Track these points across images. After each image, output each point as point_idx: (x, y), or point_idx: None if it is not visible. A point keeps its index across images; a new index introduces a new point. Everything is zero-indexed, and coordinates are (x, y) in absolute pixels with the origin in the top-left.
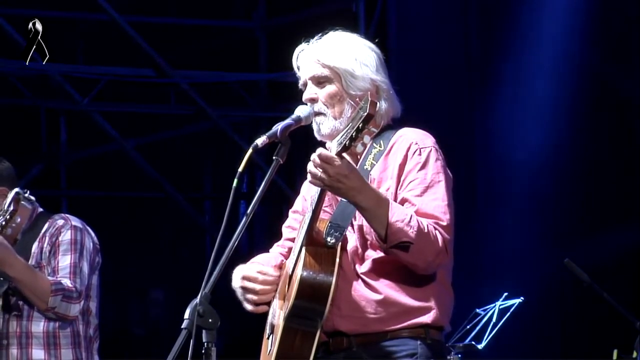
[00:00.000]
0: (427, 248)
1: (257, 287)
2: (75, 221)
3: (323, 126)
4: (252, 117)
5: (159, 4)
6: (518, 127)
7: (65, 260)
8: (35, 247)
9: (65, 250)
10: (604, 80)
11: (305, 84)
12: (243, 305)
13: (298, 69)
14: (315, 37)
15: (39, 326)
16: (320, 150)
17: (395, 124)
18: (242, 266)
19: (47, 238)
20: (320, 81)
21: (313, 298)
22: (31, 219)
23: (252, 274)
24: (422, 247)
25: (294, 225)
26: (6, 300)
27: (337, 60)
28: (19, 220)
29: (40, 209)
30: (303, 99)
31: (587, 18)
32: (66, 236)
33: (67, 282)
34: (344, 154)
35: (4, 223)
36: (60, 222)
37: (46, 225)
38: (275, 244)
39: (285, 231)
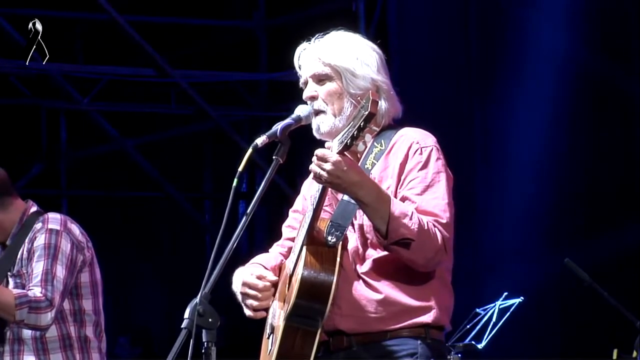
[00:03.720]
0: (427, 245)
1: (258, 294)
2: (53, 223)
3: (323, 124)
4: (252, 117)
5: (159, 4)
6: (518, 126)
7: (37, 268)
8: (19, 252)
9: (39, 257)
10: (604, 81)
11: (305, 83)
12: (243, 309)
13: (299, 68)
14: (317, 36)
15: (28, 332)
16: (319, 149)
17: (396, 124)
18: (242, 269)
19: (26, 244)
20: (320, 79)
21: (314, 297)
22: (21, 222)
23: (252, 281)
24: (422, 244)
25: (294, 224)
26: None
27: (338, 59)
28: None
29: (33, 209)
30: (303, 97)
31: (587, 18)
32: (40, 241)
33: (35, 292)
34: (345, 153)
35: None
36: (39, 225)
37: (32, 228)
38: (275, 244)
39: (286, 231)
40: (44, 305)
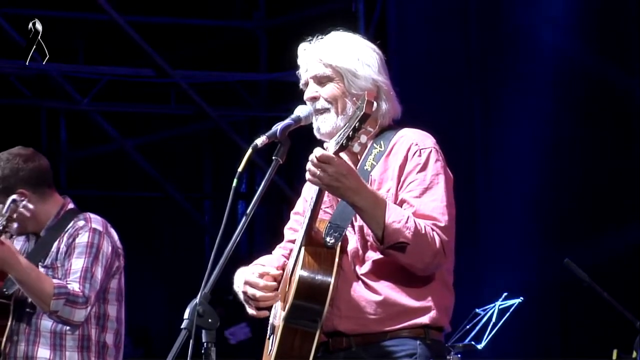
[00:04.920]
0: (424, 249)
1: (258, 292)
2: (96, 223)
3: (325, 124)
4: (252, 117)
5: (159, 4)
6: (518, 127)
7: (77, 264)
8: (54, 245)
9: (80, 254)
10: (604, 80)
11: (306, 84)
12: (246, 308)
13: (300, 69)
14: (318, 37)
15: (47, 325)
16: (318, 149)
17: (395, 125)
18: (244, 269)
19: (64, 238)
20: (322, 80)
21: (312, 298)
22: (58, 216)
23: (253, 280)
24: (419, 248)
25: (295, 226)
26: (21, 297)
27: (339, 60)
28: (15, 226)
29: (71, 206)
30: (304, 98)
31: (586, 17)
32: (83, 239)
33: (74, 287)
34: (342, 154)
35: (0, 228)
36: (81, 223)
37: (70, 224)
38: (278, 246)
39: (287, 233)
40: (81, 301)
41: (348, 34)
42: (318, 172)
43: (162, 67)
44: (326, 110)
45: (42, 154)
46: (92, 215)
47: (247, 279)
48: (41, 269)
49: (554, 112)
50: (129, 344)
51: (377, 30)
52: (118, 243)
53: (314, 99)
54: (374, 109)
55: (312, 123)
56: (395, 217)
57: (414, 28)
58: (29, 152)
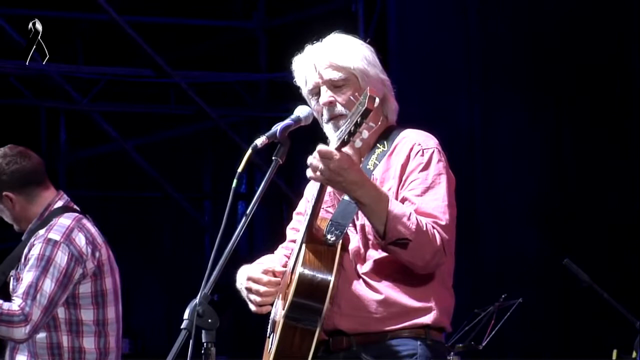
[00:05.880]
0: (426, 246)
1: (262, 288)
2: (56, 231)
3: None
4: (252, 117)
5: (159, 4)
6: (518, 127)
7: (26, 278)
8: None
9: (30, 267)
10: (605, 81)
11: (314, 89)
12: (248, 305)
13: (301, 75)
14: (316, 40)
15: None
16: (320, 146)
17: (399, 125)
18: (247, 266)
19: (27, 248)
20: (337, 85)
21: (311, 296)
22: (42, 217)
23: (256, 275)
24: (420, 245)
25: (298, 226)
26: None
27: (351, 62)
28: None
29: (58, 204)
30: (321, 103)
31: (587, 17)
32: (35, 251)
33: (13, 305)
34: (344, 149)
35: None
36: (41, 231)
37: (36, 233)
38: (280, 246)
39: (290, 233)
40: (17, 319)
41: (346, 35)
42: (320, 167)
43: (162, 67)
44: (343, 116)
45: (36, 152)
46: (60, 221)
47: (250, 275)
48: (11, 280)
49: (554, 112)
50: (128, 343)
51: (377, 30)
52: (85, 248)
53: (331, 104)
54: (375, 104)
55: (324, 127)
56: (398, 212)
57: (414, 28)
58: (13, 153)
